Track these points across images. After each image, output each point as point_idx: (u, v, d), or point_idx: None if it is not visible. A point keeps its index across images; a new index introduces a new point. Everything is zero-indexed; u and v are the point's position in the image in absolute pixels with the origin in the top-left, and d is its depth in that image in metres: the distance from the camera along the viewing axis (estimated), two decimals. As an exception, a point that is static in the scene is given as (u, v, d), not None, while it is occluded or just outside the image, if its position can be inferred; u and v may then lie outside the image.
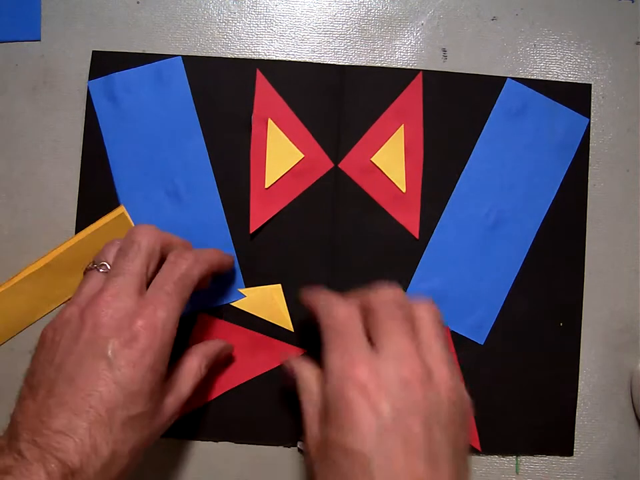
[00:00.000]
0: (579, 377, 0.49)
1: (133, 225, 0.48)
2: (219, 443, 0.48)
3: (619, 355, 0.50)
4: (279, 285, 0.48)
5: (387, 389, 0.34)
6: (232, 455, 0.47)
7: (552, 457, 0.49)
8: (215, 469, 0.47)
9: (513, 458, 0.49)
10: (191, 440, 0.47)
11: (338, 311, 0.38)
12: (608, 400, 0.49)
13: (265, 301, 0.48)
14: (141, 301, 0.37)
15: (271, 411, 0.48)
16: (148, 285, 0.39)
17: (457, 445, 0.35)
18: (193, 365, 0.42)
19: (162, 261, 0.41)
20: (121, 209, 0.48)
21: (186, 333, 0.47)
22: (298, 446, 0.47)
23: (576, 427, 0.49)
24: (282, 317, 0.48)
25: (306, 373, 0.41)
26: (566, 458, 0.49)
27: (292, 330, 0.48)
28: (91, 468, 0.32)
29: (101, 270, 0.39)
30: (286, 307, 0.48)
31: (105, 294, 0.37)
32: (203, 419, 0.47)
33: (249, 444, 0.48)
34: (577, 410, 0.49)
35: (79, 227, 0.48)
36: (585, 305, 0.49)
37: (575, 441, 0.49)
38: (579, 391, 0.49)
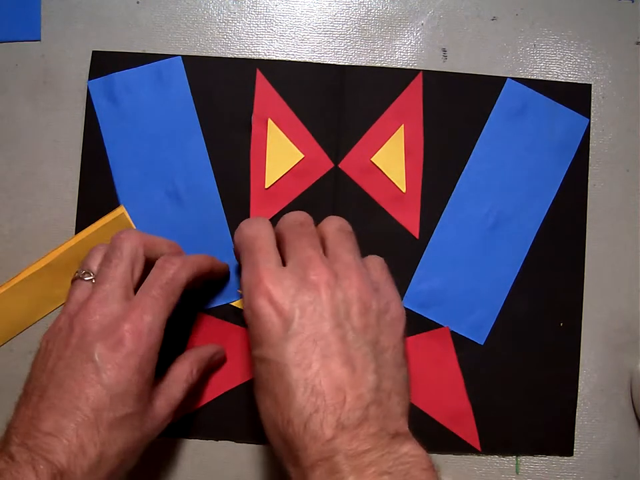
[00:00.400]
0: (579, 377, 0.49)
1: (133, 225, 0.48)
2: (219, 442, 0.48)
3: (619, 355, 0.50)
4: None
5: (293, 296, 0.35)
6: (232, 454, 0.48)
7: (552, 456, 0.49)
8: (215, 469, 0.47)
9: (513, 458, 0.49)
10: (190, 439, 0.47)
11: (249, 229, 0.40)
12: (608, 400, 0.49)
13: None
14: (127, 306, 0.38)
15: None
16: (136, 289, 0.40)
17: (377, 346, 0.36)
18: (185, 370, 0.42)
19: (151, 264, 0.41)
20: (121, 209, 0.48)
21: (186, 333, 0.48)
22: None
23: (576, 427, 0.49)
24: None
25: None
26: (566, 458, 0.49)
27: None
28: (78, 468, 0.33)
29: (86, 278, 0.40)
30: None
31: (91, 301, 0.38)
32: (203, 418, 0.47)
33: (249, 443, 0.48)
34: (576, 410, 0.49)
35: (79, 227, 0.48)
36: (585, 304, 0.49)
37: (575, 441, 0.49)
38: (578, 391, 0.49)
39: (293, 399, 0.33)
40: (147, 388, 0.37)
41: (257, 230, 0.40)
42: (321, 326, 0.35)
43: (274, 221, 0.48)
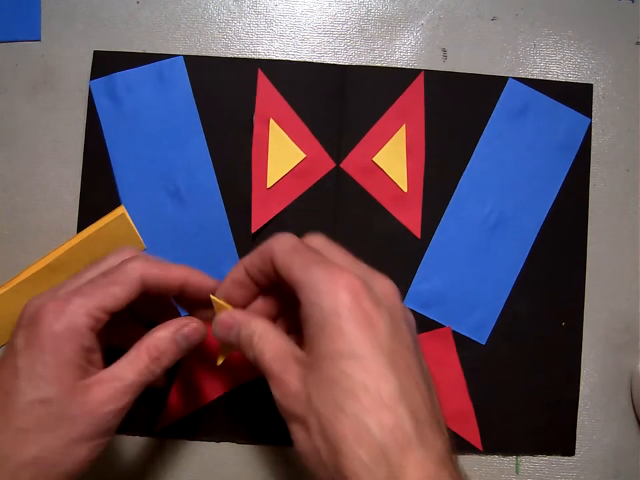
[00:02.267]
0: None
1: (133, 225, 0.48)
2: (220, 443, 0.48)
3: (619, 355, 0.50)
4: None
5: (377, 298, 0.33)
6: (233, 454, 0.47)
7: (552, 456, 0.49)
8: (216, 469, 0.47)
9: (513, 458, 0.49)
10: (191, 440, 0.47)
11: (284, 240, 0.36)
12: (608, 400, 0.49)
13: None
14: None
15: (272, 411, 0.48)
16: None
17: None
18: (137, 358, 0.36)
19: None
20: (121, 209, 0.48)
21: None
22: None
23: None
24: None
25: (257, 322, 0.36)
26: (566, 458, 0.49)
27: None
28: None
29: None
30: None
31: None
32: (204, 419, 0.47)
33: (249, 444, 0.48)
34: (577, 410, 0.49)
35: (81, 227, 0.48)
36: (585, 305, 0.49)
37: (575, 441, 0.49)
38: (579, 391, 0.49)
39: None
40: (68, 371, 0.34)
41: (292, 238, 0.36)
42: (400, 324, 0.33)
43: (275, 220, 0.48)
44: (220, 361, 0.40)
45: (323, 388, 0.31)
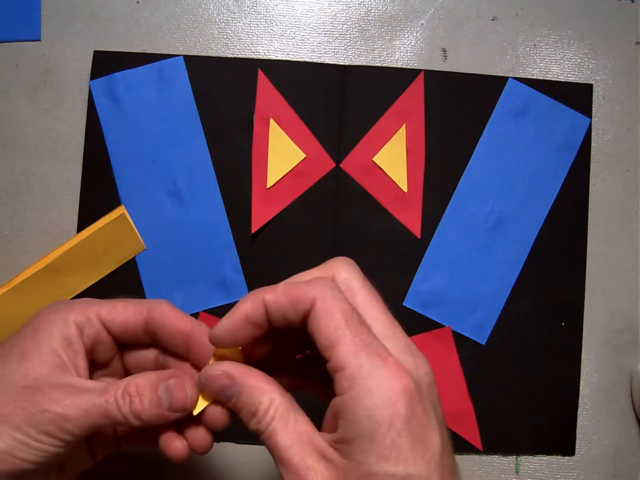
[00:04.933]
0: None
1: (133, 225, 0.48)
2: (220, 443, 0.48)
3: (619, 355, 0.50)
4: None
5: (427, 402, 0.29)
6: (233, 455, 0.47)
7: (552, 456, 0.49)
8: (216, 469, 0.47)
9: (513, 458, 0.49)
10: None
11: (330, 295, 0.30)
12: (608, 400, 0.49)
13: None
14: None
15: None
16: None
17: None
18: (121, 381, 0.32)
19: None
20: (121, 210, 0.48)
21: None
22: None
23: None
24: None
25: (271, 394, 0.31)
26: (566, 458, 0.49)
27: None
28: None
29: None
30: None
31: None
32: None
33: (249, 444, 0.48)
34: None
35: (81, 227, 0.48)
36: (585, 305, 0.49)
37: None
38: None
39: None
40: (47, 353, 0.32)
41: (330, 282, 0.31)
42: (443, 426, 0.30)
43: (275, 220, 0.48)
44: (198, 410, 0.33)
45: None
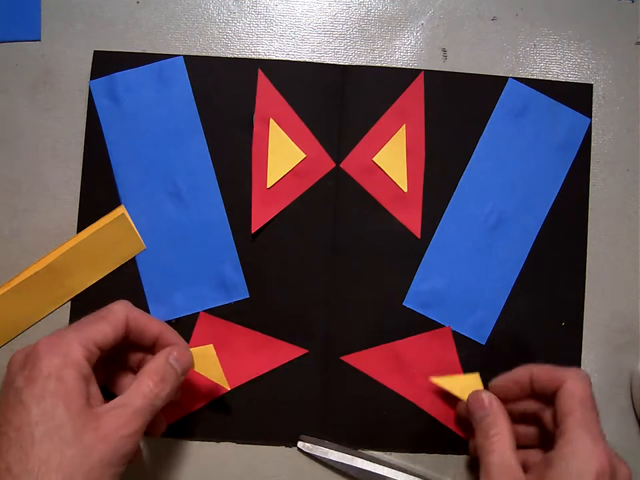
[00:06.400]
0: (579, 377, 0.49)
1: (133, 225, 0.48)
2: (220, 443, 0.47)
3: (619, 355, 0.50)
4: (211, 345, 0.44)
5: None
6: (233, 455, 0.47)
7: (552, 456, 0.49)
8: (216, 470, 0.47)
9: (513, 458, 0.49)
10: (192, 440, 0.47)
11: (582, 385, 0.39)
12: (608, 400, 0.49)
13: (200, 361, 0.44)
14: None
15: (272, 411, 0.48)
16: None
17: None
18: (142, 377, 0.38)
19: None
20: (121, 210, 0.48)
21: (188, 332, 0.48)
22: (298, 446, 0.47)
23: (576, 427, 0.49)
24: (219, 375, 0.45)
25: (507, 424, 0.40)
26: (566, 458, 0.49)
27: (228, 388, 0.45)
28: None
29: None
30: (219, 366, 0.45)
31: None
32: (204, 419, 0.47)
33: (249, 444, 0.48)
34: (577, 410, 0.49)
35: (81, 227, 0.48)
36: (585, 305, 0.49)
37: (575, 441, 0.49)
38: (579, 391, 0.49)
39: None
40: (74, 397, 0.34)
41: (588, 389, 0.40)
42: None
43: (275, 220, 0.48)
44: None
45: None
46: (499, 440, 0.39)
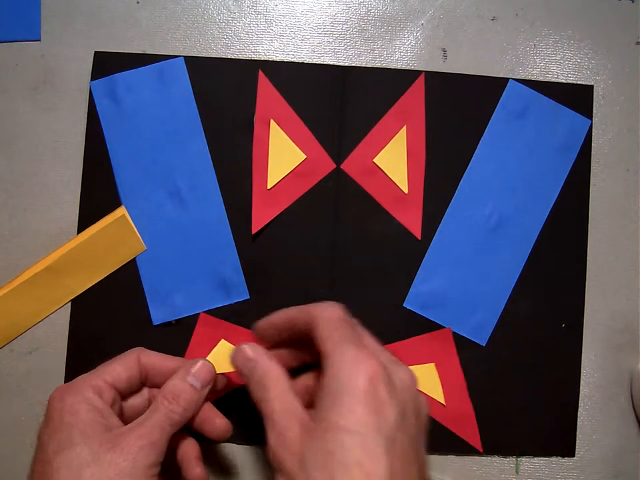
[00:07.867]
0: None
1: (133, 226, 0.48)
2: (220, 444, 0.48)
3: (619, 355, 0.50)
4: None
5: (393, 388, 0.35)
6: (233, 455, 0.48)
7: (552, 457, 0.49)
8: (216, 470, 0.47)
9: (513, 458, 0.49)
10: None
11: (332, 311, 0.38)
12: (608, 400, 0.49)
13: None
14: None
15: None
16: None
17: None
18: (158, 398, 0.39)
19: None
20: (122, 211, 0.48)
21: (188, 333, 0.48)
22: None
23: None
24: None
25: (277, 372, 0.38)
26: (566, 458, 0.49)
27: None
28: None
29: None
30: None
31: None
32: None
33: (249, 444, 0.48)
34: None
35: (81, 227, 0.48)
36: (585, 305, 0.49)
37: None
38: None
39: None
40: (92, 428, 0.36)
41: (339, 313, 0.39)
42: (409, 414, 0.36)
43: (276, 221, 0.48)
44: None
45: (320, 455, 0.33)
46: (274, 387, 0.37)
